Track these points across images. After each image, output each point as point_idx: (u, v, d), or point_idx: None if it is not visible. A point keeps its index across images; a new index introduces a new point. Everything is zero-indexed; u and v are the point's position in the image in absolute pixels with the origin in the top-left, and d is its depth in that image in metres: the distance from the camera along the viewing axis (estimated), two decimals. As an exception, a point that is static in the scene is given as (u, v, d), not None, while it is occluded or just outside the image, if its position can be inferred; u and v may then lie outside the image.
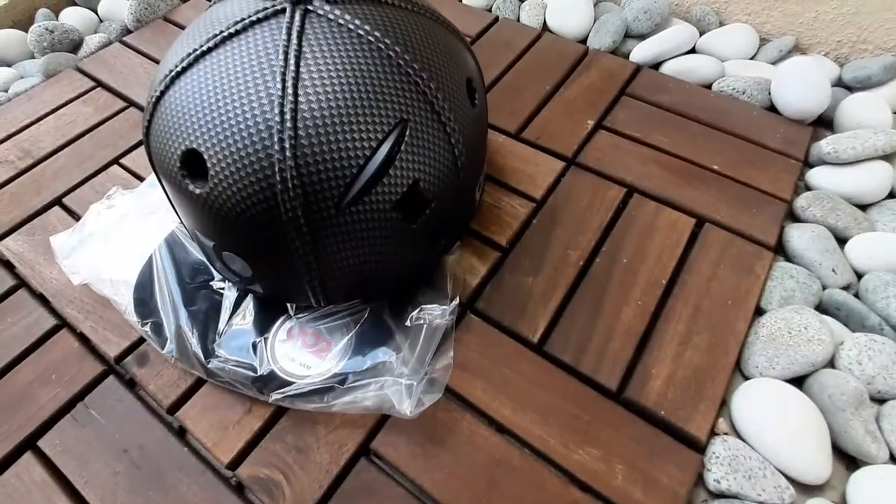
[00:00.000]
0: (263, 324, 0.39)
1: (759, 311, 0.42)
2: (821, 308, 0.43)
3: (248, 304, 0.40)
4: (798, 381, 0.39)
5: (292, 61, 0.31)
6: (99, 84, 0.61)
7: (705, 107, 0.56)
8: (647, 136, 0.54)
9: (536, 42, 0.64)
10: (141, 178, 0.52)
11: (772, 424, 0.36)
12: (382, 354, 0.36)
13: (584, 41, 0.66)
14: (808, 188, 0.51)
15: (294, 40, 0.31)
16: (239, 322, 0.39)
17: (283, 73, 0.30)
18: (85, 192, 0.51)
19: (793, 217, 0.49)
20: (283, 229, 0.32)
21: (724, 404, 0.38)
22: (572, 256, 0.45)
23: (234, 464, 0.36)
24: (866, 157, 0.49)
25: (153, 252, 0.43)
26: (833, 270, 0.44)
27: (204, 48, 0.32)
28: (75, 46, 0.66)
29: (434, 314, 0.39)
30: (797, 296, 0.43)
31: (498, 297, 0.43)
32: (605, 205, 0.48)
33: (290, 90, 0.30)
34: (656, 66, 0.63)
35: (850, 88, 0.58)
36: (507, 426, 0.37)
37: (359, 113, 0.31)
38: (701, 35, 0.64)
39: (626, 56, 0.63)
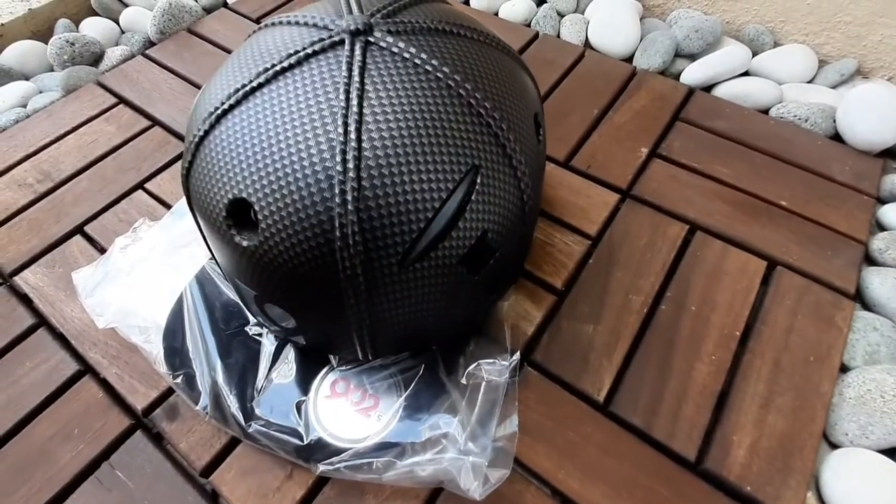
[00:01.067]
0: (306, 378, 0.36)
1: (842, 369, 0.39)
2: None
3: (289, 354, 0.36)
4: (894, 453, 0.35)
5: (354, 101, 0.27)
6: (121, 100, 0.57)
7: (766, 135, 0.52)
8: (707, 166, 0.50)
9: (580, 61, 0.60)
10: (167, 206, 0.48)
11: (868, 502, 0.33)
12: (443, 424, 0.32)
13: (629, 59, 0.62)
14: (880, 227, 0.47)
15: (356, 77, 0.28)
16: (279, 376, 0.35)
17: (345, 115, 0.27)
18: (108, 220, 0.47)
19: (868, 260, 0.45)
20: (339, 286, 0.29)
21: (812, 477, 0.34)
22: (635, 302, 0.41)
23: (275, 539, 0.32)
24: (949, 196, 0.46)
25: (183, 292, 0.39)
26: (920, 323, 0.40)
27: (254, 84, 0.28)
28: (96, 59, 0.62)
29: (493, 370, 0.35)
30: (883, 350, 0.39)
31: (556, 347, 0.39)
32: (666, 244, 0.45)
33: (352, 134, 0.27)
34: (708, 88, 0.59)
35: (920, 117, 0.54)
36: (577, 501, 0.33)
37: (428, 160, 0.27)
38: (754, 55, 0.61)
39: (676, 77, 0.60)
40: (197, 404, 0.35)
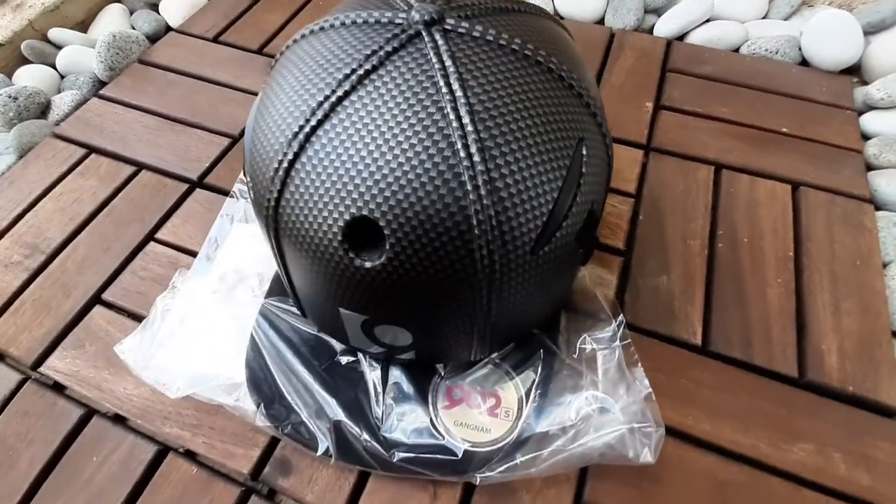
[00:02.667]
0: (421, 394, 0.33)
1: (883, 265, 0.42)
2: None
3: (394, 375, 0.34)
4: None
5: (458, 91, 0.25)
6: (91, 150, 0.50)
7: (747, 71, 0.56)
8: (708, 109, 0.52)
9: (557, 31, 0.61)
10: (190, 252, 0.43)
11: (943, 374, 0.36)
12: (584, 401, 0.32)
13: (599, 22, 0.63)
14: (865, 136, 0.52)
15: (450, 66, 0.26)
16: (396, 398, 0.33)
17: (454, 106, 0.25)
18: (127, 281, 0.42)
19: (868, 167, 0.49)
20: (474, 286, 0.27)
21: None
22: (693, 246, 0.43)
23: (444, 562, 0.30)
24: (916, 97, 0.51)
25: (255, 338, 0.36)
26: (928, 211, 0.45)
27: (339, 92, 0.26)
28: (43, 111, 0.54)
29: (603, 338, 0.35)
30: (908, 241, 0.43)
31: (641, 304, 0.39)
32: (700, 187, 0.46)
33: (468, 125, 0.25)
34: (681, 38, 0.61)
35: (865, 34, 0.60)
36: (713, 442, 0.34)
37: (544, 139, 0.26)
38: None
39: (649, 32, 0.62)
40: (316, 451, 0.32)
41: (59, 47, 0.59)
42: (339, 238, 0.26)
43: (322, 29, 0.29)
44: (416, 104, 0.25)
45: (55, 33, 0.59)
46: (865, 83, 0.55)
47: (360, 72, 0.26)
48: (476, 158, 0.24)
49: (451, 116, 0.25)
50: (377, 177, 0.25)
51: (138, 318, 0.39)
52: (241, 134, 0.51)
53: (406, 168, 0.24)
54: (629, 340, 0.35)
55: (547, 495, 0.32)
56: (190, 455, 0.34)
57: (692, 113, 0.52)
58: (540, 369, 0.33)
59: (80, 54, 0.58)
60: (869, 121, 0.51)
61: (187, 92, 0.55)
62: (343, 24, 0.29)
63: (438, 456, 0.31)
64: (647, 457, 0.30)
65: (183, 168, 0.48)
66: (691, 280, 0.41)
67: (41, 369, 0.37)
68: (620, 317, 0.36)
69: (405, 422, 0.32)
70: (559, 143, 0.27)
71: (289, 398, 0.33)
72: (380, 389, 0.33)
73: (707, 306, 0.39)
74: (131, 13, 0.65)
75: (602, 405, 0.32)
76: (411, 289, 0.26)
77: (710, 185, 0.46)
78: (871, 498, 0.32)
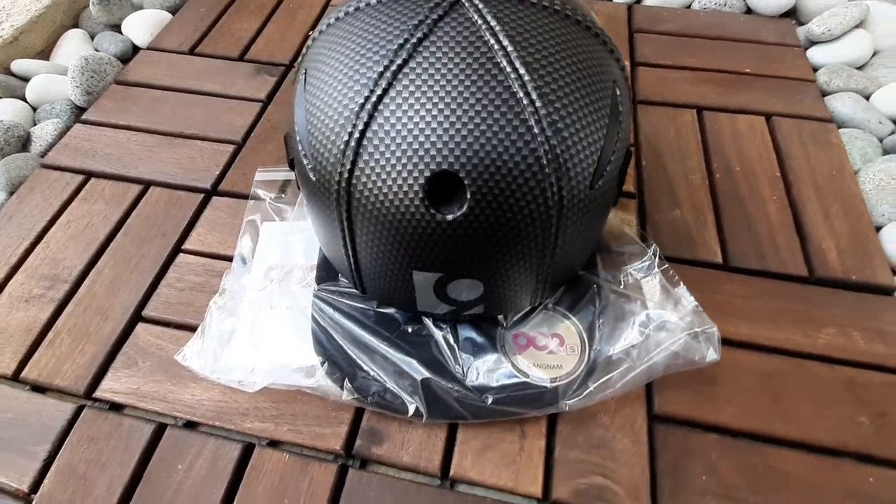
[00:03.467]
0: (492, 345, 0.35)
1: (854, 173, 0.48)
2: (889, 150, 0.49)
3: (463, 332, 0.36)
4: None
5: (509, 46, 0.27)
6: (89, 174, 0.48)
7: (703, 24, 0.61)
8: (678, 60, 0.57)
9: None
10: (224, 258, 0.42)
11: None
12: (641, 324, 0.34)
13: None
14: (813, 68, 0.58)
15: (495, 25, 0.27)
16: (470, 350, 0.34)
17: (509, 59, 0.27)
18: (165, 294, 0.41)
19: (822, 92, 0.55)
20: (546, 224, 0.29)
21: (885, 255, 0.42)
22: (696, 181, 0.47)
23: (546, 491, 0.32)
24: (850, 28, 0.57)
25: (319, 321, 0.36)
26: (879, 122, 0.51)
27: (397, 62, 0.27)
28: (24, 144, 0.51)
29: (643, 267, 0.38)
30: (870, 151, 0.49)
31: (663, 237, 0.43)
32: (688, 129, 0.50)
33: (524, 74, 0.27)
34: (637, 2, 0.66)
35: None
36: (753, 342, 0.37)
37: (588, 83, 0.29)
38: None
39: (609, 0, 0.66)
40: (406, 413, 0.33)
41: (25, 79, 0.56)
42: (420, 196, 0.27)
43: (358, 10, 0.31)
44: (473, 62, 0.27)
45: (19, 65, 0.56)
46: (802, 23, 0.62)
47: (413, 40, 0.27)
48: (537, 103, 0.27)
49: (508, 68, 0.27)
50: (451, 132, 0.26)
51: (188, 328, 0.39)
52: (245, 139, 0.51)
53: (477, 120, 0.26)
54: (666, 265, 0.39)
55: (623, 414, 0.34)
56: (280, 445, 0.34)
57: (665, 66, 0.56)
58: (596, 304, 0.36)
59: (51, 82, 0.55)
60: (814, 54, 0.58)
61: (177, 106, 0.54)
62: (379, 1, 0.30)
63: (526, 392, 0.33)
64: (712, 355, 0.33)
65: (193, 179, 0.48)
66: (701, 209, 0.44)
67: (96, 394, 0.36)
68: (654, 246, 0.39)
69: (486, 370, 0.33)
70: (600, 86, 0.29)
71: (368, 369, 0.34)
72: (454, 345, 0.35)
73: (719, 229, 0.43)
74: (92, 37, 0.62)
75: (658, 322, 0.35)
76: (489, 235, 0.28)
77: (696, 126, 0.51)
78: (889, 363, 0.36)
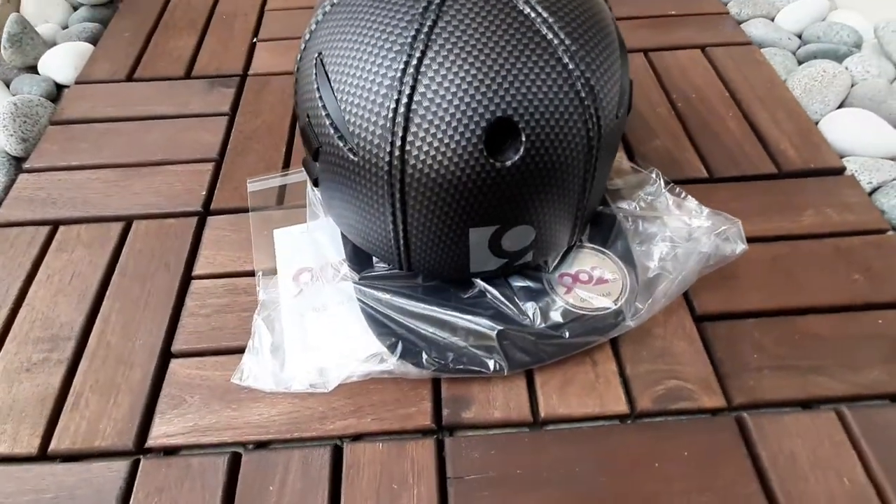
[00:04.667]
0: (544, 289, 0.36)
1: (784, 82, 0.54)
2: (802, 59, 0.56)
3: (515, 284, 0.36)
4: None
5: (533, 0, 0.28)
6: (55, 223, 0.43)
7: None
8: (616, 13, 0.61)
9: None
10: (243, 274, 0.39)
11: (848, 124, 0.48)
12: (669, 239, 0.37)
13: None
14: (723, 2, 0.65)
15: (511, -22, 0.28)
16: (526, 299, 0.35)
17: (529, 4, 0.28)
18: (190, 324, 0.37)
19: (737, 22, 0.62)
20: (588, 156, 0.30)
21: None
22: (663, 112, 0.50)
23: (631, 406, 0.34)
24: (743, -36, 0.65)
25: (370, 309, 0.35)
26: (788, 39, 0.58)
27: (427, 23, 0.27)
28: (-39, 206, 0.44)
29: (652, 191, 0.41)
30: (787, 63, 0.56)
31: (652, 164, 0.46)
32: (642, 70, 0.54)
33: (547, 17, 0.28)
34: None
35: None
36: (755, 235, 0.40)
37: (598, 21, 0.30)
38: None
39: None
40: (489, 369, 0.33)
41: (-64, 137, 0.48)
42: (480, 147, 0.27)
43: (363, -16, 0.30)
44: (499, 13, 0.28)
45: (-74, 123, 0.48)
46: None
47: (433, 6, 0.27)
48: (567, 41, 0.28)
49: (531, 13, 0.28)
50: (498, 80, 0.27)
51: (229, 351, 0.36)
52: (223, 155, 0.48)
53: (518, 65, 0.27)
54: (671, 184, 0.42)
55: (672, 322, 0.37)
56: (369, 436, 0.33)
57: (603, 19, 0.60)
58: (622, 231, 0.38)
59: (-28, 135, 0.48)
60: (718, -9, 0.64)
61: (132, 135, 0.49)
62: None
63: (596, 319, 0.34)
64: (741, 246, 0.37)
65: (179, 204, 0.44)
66: (675, 135, 0.48)
67: (149, 443, 0.33)
68: (655, 170, 0.42)
69: (551, 311, 0.35)
70: (606, 24, 0.31)
71: (438, 339, 0.34)
72: (512, 296, 0.35)
73: (696, 149, 0.47)
74: (8, 85, 0.55)
75: (683, 233, 0.38)
76: (542, 176, 0.29)
77: (648, 67, 0.55)
78: (859, 227, 0.42)
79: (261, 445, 0.33)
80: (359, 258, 0.38)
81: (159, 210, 0.44)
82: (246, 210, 0.43)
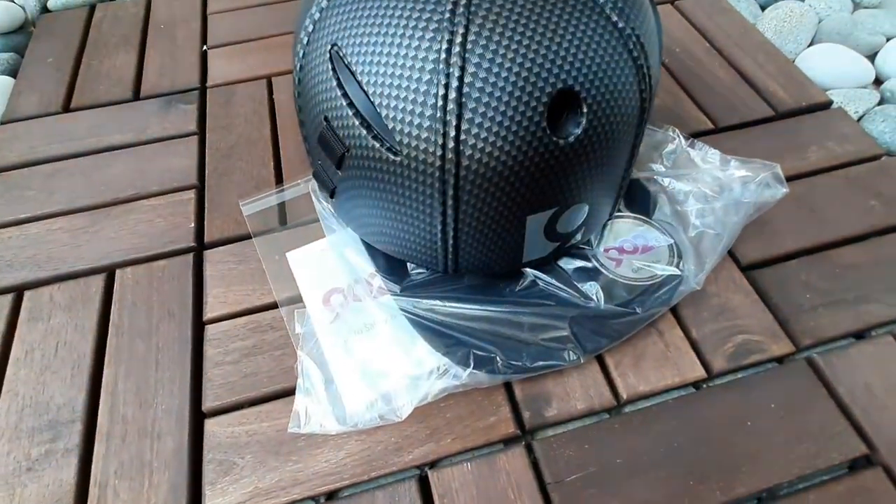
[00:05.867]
0: (597, 267, 0.34)
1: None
2: (764, 4, 0.57)
3: (566, 267, 0.34)
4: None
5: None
6: (19, 289, 0.36)
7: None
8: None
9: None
10: (264, 308, 0.34)
11: (823, 60, 0.50)
12: (706, 195, 0.36)
13: None
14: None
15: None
16: (591, 281, 0.33)
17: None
18: (217, 375, 0.32)
19: (693, -26, 0.62)
20: (639, 126, 0.28)
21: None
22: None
23: (708, 369, 0.32)
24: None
25: (423, 322, 0.32)
26: (746, -16, 0.59)
27: (462, 1, 0.23)
28: None
29: (672, 149, 0.40)
30: (751, 8, 0.57)
31: (660, 123, 0.45)
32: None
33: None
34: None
35: None
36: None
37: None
38: None
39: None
40: (565, 361, 0.30)
41: None
42: (543, 125, 0.24)
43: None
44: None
45: None
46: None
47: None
48: (630, 14, 0.25)
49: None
50: (553, 48, 0.24)
51: (273, 396, 0.31)
52: (202, 179, 0.42)
53: (571, 29, 0.24)
54: (691, 139, 0.41)
55: (722, 279, 0.36)
56: (440, 462, 0.30)
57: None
58: (654, 196, 0.37)
59: None
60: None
61: (91, 172, 0.42)
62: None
63: (663, 287, 0.33)
64: (781, 189, 0.36)
65: (167, 243, 0.38)
66: (672, 91, 0.48)
67: (204, 520, 0.28)
68: (671, 128, 0.41)
69: (614, 288, 0.33)
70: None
71: (506, 340, 0.31)
72: (569, 280, 0.33)
73: (694, 102, 0.47)
74: None
75: (720, 186, 0.37)
76: (602, 149, 0.27)
77: (625, 27, 0.54)
78: (861, 156, 0.43)
79: (334, 495, 0.29)
80: (392, 268, 0.35)
81: (145, 253, 0.38)
82: (247, 237, 0.38)
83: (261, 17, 0.56)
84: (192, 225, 0.39)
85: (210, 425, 0.31)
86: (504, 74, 0.24)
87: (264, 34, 0.54)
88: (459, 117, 0.24)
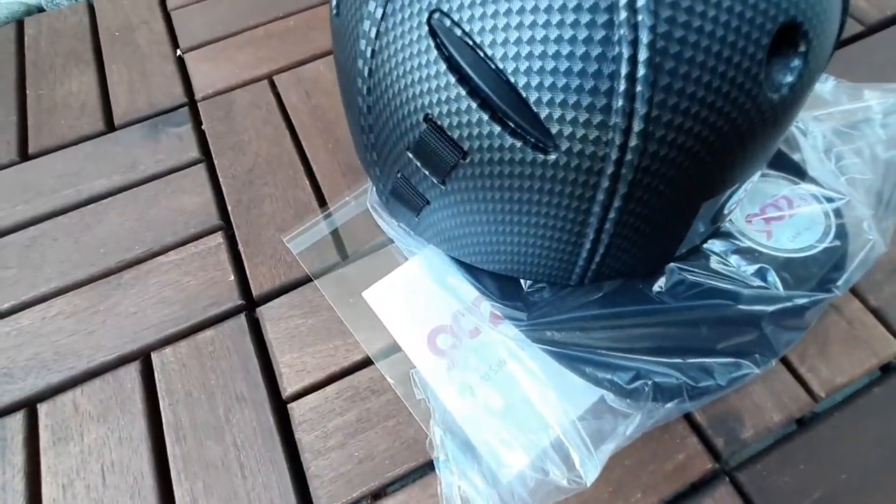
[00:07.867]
0: (755, 246, 0.28)
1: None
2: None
3: (720, 250, 0.28)
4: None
5: None
6: (27, 405, 0.27)
7: None
8: None
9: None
10: (350, 371, 0.27)
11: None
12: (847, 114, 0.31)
13: None
14: None
15: None
16: (763, 263, 0.27)
17: None
18: (321, 467, 0.25)
19: None
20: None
21: None
22: None
23: None
24: None
25: (556, 353, 0.25)
26: None
27: None
28: None
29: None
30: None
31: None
32: None
33: None
34: None
35: None
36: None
37: None
38: None
39: None
40: (757, 366, 0.24)
41: None
42: (762, 76, 0.18)
43: None
44: None
45: None
46: None
47: None
48: None
49: None
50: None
51: (396, 481, 0.25)
52: (227, 217, 0.33)
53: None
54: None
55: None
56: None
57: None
58: (787, 142, 0.31)
59: None
60: None
61: (79, 232, 0.33)
62: None
63: (820, 252, 0.27)
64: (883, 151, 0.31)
65: (207, 308, 0.30)
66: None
67: None
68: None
69: (787, 268, 0.27)
70: None
71: (681, 357, 0.25)
72: (728, 267, 0.27)
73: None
74: None
75: (858, 120, 0.31)
76: (804, 100, 0.20)
77: None
78: None
79: (513, 590, 0.23)
80: (505, 290, 0.28)
81: (182, 325, 0.30)
82: (306, 280, 0.31)
83: (235, 4, 0.46)
84: (233, 277, 0.31)
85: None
86: (712, 14, 0.17)
87: (246, 25, 0.44)
88: (654, 85, 0.17)
